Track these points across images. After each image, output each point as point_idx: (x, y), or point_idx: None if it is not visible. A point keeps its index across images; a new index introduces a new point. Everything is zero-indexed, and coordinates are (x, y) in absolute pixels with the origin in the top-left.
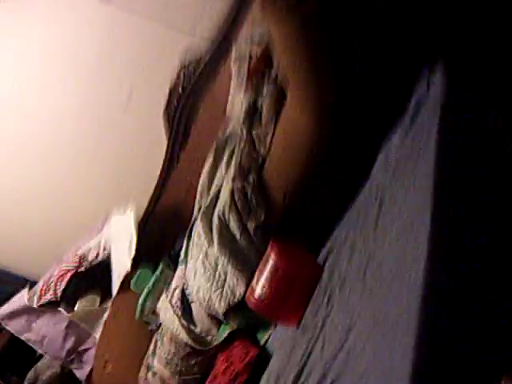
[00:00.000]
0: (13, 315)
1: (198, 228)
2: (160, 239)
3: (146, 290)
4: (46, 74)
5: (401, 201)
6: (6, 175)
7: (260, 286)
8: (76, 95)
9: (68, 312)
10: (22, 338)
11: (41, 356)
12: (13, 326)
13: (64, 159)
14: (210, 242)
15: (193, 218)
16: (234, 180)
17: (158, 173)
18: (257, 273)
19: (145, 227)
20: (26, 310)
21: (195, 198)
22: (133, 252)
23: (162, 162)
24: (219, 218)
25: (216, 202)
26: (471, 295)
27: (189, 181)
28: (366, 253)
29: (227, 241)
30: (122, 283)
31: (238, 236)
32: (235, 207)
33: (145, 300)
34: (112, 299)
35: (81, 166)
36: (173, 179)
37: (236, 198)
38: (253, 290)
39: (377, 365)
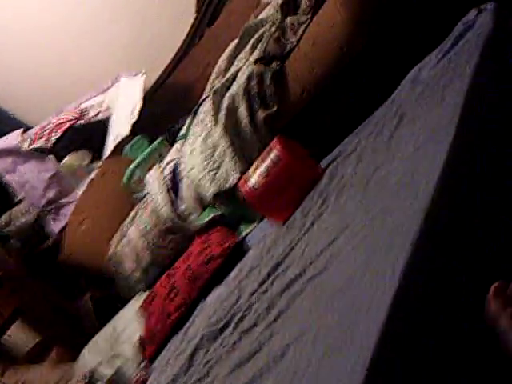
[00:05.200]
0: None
1: (207, 106)
2: (164, 112)
3: (139, 158)
4: None
5: (424, 117)
6: (22, 19)
7: (257, 174)
8: None
9: (57, 161)
10: (4, 179)
11: (18, 203)
12: None
13: (87, 10)
14: (216, 121)
15: (202, 98)
16: (255, 63)
17: (179, 45)
18: (256, 161)
19: (152, 96)
20: (15, 152)
21: (209, 78)
22: (135, 117)
23: (184, 36)
24: (230, 99)
25: (231, 83)
26: (477, 216)
27: (207, 60)
28: (374, 163)
29: (233, 124)
30: (117, 146)
31: (244, 122)
32: (249, 92)
33: (136, 167)
34: (103, 160)
35: (102, 21)
36: (191, 55)
37: (253, 82)
38: (248, 178)
39: (368, 264)
